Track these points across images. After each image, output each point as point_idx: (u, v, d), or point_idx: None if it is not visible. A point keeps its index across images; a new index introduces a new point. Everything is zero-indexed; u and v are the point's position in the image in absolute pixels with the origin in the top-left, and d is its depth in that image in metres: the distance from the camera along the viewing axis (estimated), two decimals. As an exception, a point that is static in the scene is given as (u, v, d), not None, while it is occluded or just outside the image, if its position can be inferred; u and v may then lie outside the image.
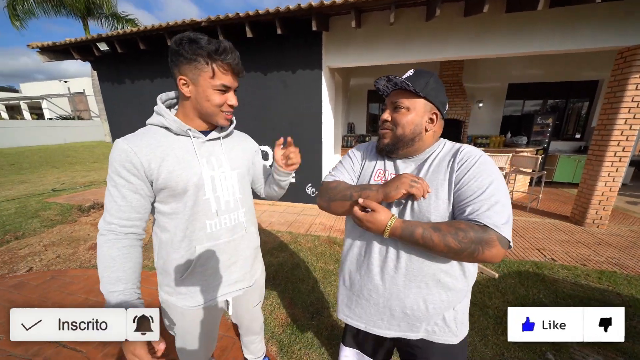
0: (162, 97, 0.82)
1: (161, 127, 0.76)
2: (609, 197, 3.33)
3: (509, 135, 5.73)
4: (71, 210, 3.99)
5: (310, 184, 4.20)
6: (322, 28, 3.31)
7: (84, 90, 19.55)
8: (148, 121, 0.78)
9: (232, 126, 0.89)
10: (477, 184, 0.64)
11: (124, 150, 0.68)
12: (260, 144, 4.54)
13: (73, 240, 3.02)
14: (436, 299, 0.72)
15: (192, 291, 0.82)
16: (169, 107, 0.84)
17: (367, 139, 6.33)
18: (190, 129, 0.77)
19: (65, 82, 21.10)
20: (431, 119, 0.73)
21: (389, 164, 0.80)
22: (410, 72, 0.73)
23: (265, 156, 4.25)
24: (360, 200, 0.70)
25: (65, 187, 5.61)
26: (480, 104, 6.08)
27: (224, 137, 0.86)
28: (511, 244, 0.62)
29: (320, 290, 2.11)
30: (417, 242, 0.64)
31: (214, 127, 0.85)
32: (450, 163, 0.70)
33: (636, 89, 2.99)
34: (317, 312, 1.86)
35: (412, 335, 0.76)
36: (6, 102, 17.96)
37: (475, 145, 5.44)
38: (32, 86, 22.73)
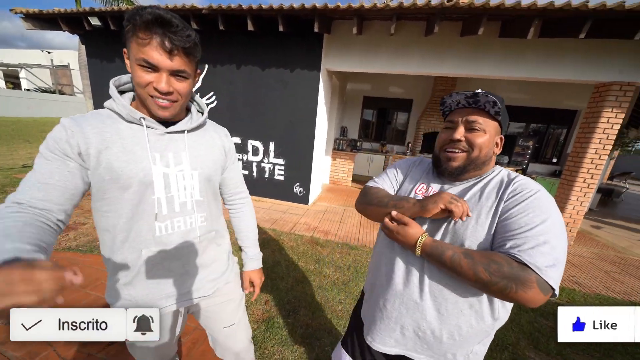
0: (120, 78, 0.71)
1: (113, 111, 0.67)
2: (575, 219, 3.57)
3: (492, 153, 5.99)
4: (43, 188, 3.78)
5: (298, 184, 4.21)
6: (324, 30, 3.35)
7: (68, 63, 18.48)
8: (105, 103, 0.69)
9: (203, 118, 0.79)
10: (526, 219, 0.59)
11: (65, 128, 0.61)
12: (252, 138, 4.50)
13: (43, 220, 2.87)
14: (453, 329, 0.68)
15: (136, 298, 0.74)
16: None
17: (358, 143, 6.41)
18: (144, 118, 0.67)
19: (49, 52, 19.90)
20: (496, 143, 0.71)
21: (435, 183, 0.76)
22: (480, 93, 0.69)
23: (255, 151, 4.22)
24: (394, 213, 0.69)
25: (39, 164, 5.29)
26: (469, 121, 6.33)
27: (189, 131, 0.75)
28: (556, 291, 0.56)
29: (299, 289, 2.12)
30: (444, 263, 0.62)
31: (180, 117, 0.75)
32: (501, 192, 0.66)
33: (607, 122, 3.23)
34: (293, 310, 1.88)
35: (416, 356, 0.74)
36: (-21, 67, 16.69)
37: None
38: (10, 53, 21.23)
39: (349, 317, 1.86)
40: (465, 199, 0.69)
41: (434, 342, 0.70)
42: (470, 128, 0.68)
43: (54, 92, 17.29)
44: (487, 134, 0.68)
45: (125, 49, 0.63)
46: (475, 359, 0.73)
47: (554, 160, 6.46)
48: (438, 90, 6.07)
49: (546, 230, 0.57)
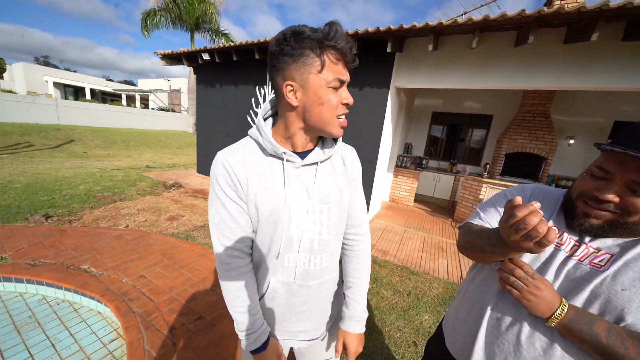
0: (264, 108, 0.69)
1: (257, 143, 0.66)
2: None
3: (607, 181, 4.72)
4: (158, 185, 4.86)
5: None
6: (396, 49, 3.38)
7: (179, 88, 23.73)
8: (249, 132, 0.69)
9: (336, 145, 0.70)
10: None
11: (224, 167, 0.62)
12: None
13: (157, 210, 3.68)
14: None
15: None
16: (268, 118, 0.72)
17: (424, 161, 6.02)
18: (285, 152, 0.63)
19: (168, 80, 26.00)
20: None
21: (573, 235, 0.58)
22: None
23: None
24: (523, 274, 0.53)
25: (155, 166, 6.85)
26: (571, 141, 5.20)
27: (322, 162, 0.68)
28: None
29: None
30: (597, 341, 0.47)
31: (314, 144, 0.69)
32: None
33: None
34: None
35: None
36: (127, 93, 23.14)
37: (557, 187, 4.64)
38: (145, 82, 28.66)
39: (407, 346, 1.72)
40: (624, 259, 0.51)
41: None
42: (634, 190, 0.48)
43: (168, 111, 22.32)
44: None
45: (289, 82, 0.59)
46: None
47: None
48: (528, 105, 5.23)
49: None
